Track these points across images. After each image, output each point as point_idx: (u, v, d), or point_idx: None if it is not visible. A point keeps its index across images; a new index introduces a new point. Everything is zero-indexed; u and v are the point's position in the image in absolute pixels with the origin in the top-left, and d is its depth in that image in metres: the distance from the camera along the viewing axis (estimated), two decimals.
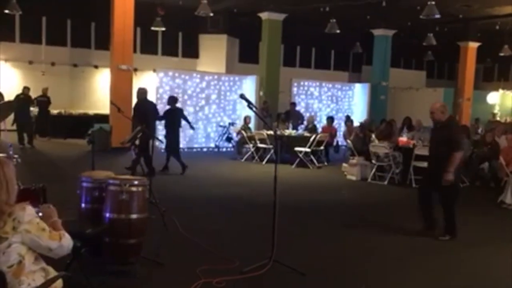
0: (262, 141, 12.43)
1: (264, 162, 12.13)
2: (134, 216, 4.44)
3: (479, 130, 14.73)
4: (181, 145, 10.86)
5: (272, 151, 11.98)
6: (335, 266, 5.10)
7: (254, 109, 5.00)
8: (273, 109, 15.60)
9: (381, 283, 4.72)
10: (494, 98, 20.05)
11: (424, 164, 9.80)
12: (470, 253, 5.76)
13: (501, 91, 20.29)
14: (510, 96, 20.20)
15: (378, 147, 10.37)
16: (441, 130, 6.11)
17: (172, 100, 10.42)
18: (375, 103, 17.95)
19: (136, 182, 4.54)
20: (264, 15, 15.74)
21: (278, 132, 12.54)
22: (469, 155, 10.58)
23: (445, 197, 6.12)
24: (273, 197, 4.78)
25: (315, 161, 12.16)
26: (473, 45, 18.48)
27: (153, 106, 10.11)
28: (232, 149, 14.15)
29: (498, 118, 18.96)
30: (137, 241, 4.49)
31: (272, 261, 4.67)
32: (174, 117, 10.26)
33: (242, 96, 4.97)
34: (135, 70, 15.78)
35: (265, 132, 12.30)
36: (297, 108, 15.87)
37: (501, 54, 18.23)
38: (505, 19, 15.76)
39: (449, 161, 5.82)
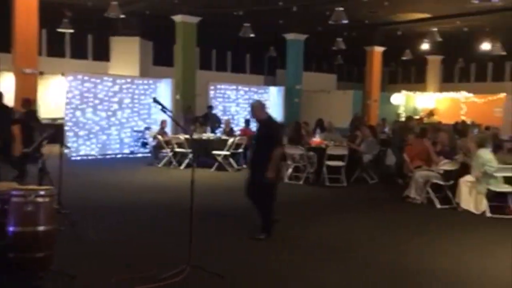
0: (180, 145, 12.27)
1: (182, 167, 11.97)
2: (41, 228, 4.20)
3: (386, 129, 15.64)
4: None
5: (190, 155, 11.87)
6: (255, 268, 5.14)
7: (168, 113, 4.92)
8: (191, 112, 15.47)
9: (300, 283, 4.83)
10: (399, 99, 21.41)
11: (337, 163, 10.31)
12: (375, 246, 6.08)
13: (404, 92, 21.71)
14: (413, 97, 21.67)
15: (293, 148, 10.64)
16: (262, 128, 6.21)
17: (26, 102, 9.95)
18: (290, 106, 18.43)
19: (42, 192, 4.28)
20: (177, 18, 15.57)
21: (196, 136, 12.46)
22: (377, 153, 11.22)
23: (261, 195, 6.05)
24: (191, 202, 4.74)
25: (233, 163, 12.22)
26: (379, 49, 19.60)
27: (9, 110, 9.64)
28: (149, 155, 13.82)
29: (403, 119, 20.25)
30: (45, 255, 4.24)
31: (190, 266, 4.61)
32: (27, 121, 9.73)
33: (155, 100, 4.89)
34: (41, 73, 14.89)
35: (183, 136, 12.16)
36: (215, 111, 15.87)
37: (404, 58, 19.55)
38: (407, 25, 16.91)
39: (270, 158, 5.80)
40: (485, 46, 17.68)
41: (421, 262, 5.47)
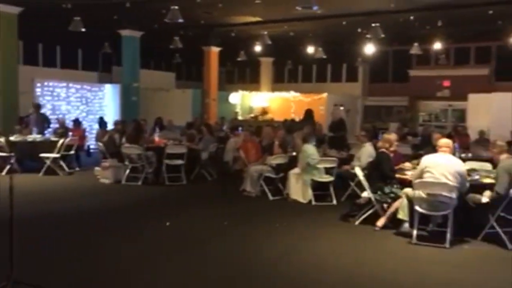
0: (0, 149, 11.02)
1: (3, 173, 10.75)
2: None
3: (224, 128, 16.16)
4: None
5: (12, 159, 10.73)
6: (90, 277, 4.87)
7: None
8: (14, 111, 14.00)
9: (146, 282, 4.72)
10: (236, 98, 22.27)
11: (176, 162, 10.31)
12: (216, 240, 6.25)
13: (240, 92, 22.66)
14: (248, 96, 22.73)
15: (130, 148, 10.34)
16: None
17: None
18: (127, 104, 17.86)
19: None
20: None
21: (20, 138, 11.38)
22: (215, 151, 11.54)
23: None
24: (10, 211, 4.28)
25: (65, 167, 11.41)
26: (215, 49, 20.11)
27: None
28: None
29: (240, 117, 21.14)
30: None
31: (12, 282, 4.17)
32: None
33: None
34: None
35: (3, 139, 10.94)
36: (43, 110, 14.57)
37: (239, 59, 20.39)
38: (241, 27, 17.62)
39: None
40: (310, 49, 19.36)
41: (260, 251, 5.78)
